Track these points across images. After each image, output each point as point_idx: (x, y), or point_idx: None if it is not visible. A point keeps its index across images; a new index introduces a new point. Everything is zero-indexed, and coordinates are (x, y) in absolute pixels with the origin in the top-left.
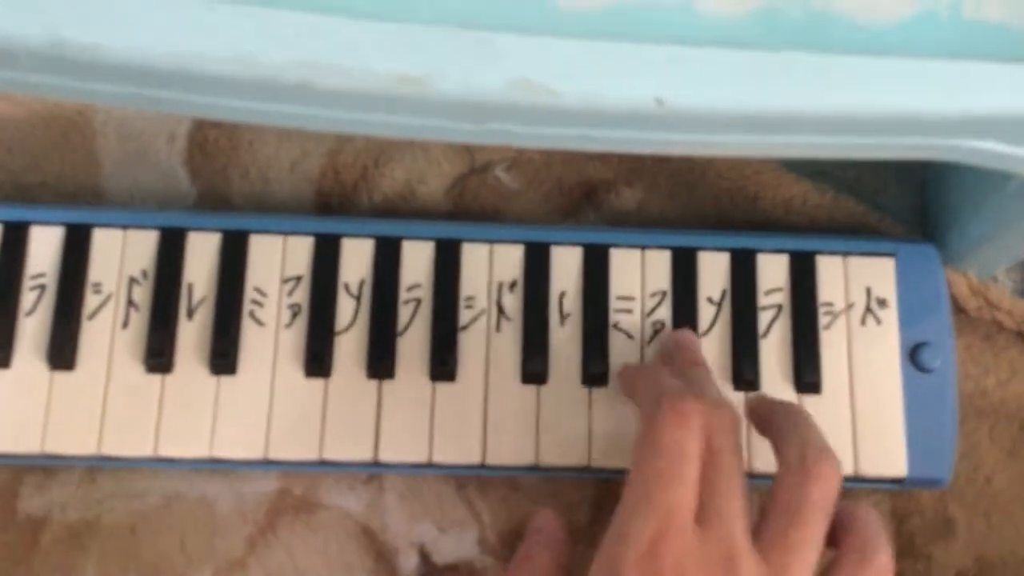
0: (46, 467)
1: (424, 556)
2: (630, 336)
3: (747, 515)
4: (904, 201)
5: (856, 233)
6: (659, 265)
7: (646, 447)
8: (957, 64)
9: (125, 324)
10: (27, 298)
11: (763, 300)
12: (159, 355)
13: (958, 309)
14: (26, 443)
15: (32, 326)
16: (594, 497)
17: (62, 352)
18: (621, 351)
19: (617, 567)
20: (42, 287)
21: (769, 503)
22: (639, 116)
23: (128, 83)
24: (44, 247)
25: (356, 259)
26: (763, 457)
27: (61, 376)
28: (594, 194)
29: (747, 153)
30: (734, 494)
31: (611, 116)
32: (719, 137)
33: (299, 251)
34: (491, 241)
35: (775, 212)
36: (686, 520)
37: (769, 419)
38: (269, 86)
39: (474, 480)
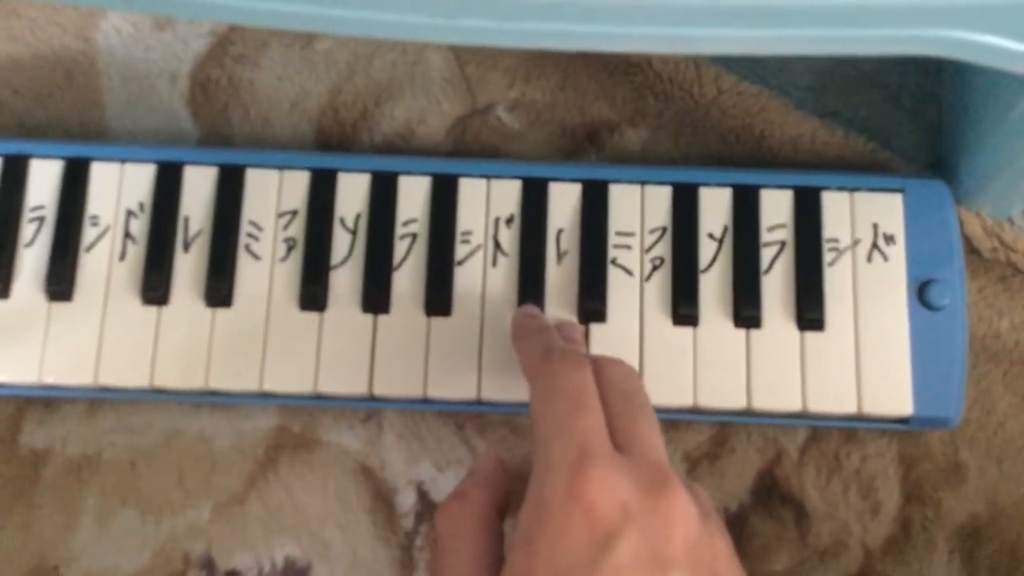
0: (48, 402)
1: (422, 494)
2: (629, 272)
3: (663, 446)
4: (918, 142)
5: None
6: (659, 201)
7: (545, 395)
8: None
9: (122, 256)
10: (27, 230)
11: (766, 236)
12: (155, 288)
13: (972, 251)
14: (25, 373)
15: (31, 257)
16: None
17: (60, 283)
18: (619, 287)
19: (546, 499)
20: (41, 219)
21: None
22: (605, 5)
23: None
24: (44, 180)
25: (352, 194)
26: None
27: (59, 307)
28: (597, 135)
29: (721, 50)
30: (652, 427)
31: (577, 5)
32: (691, 30)
33: (295, 185)
34: (488, 177)
35: (783, 151)
36: (605, 443)
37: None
38: None
39: (473, 420)
